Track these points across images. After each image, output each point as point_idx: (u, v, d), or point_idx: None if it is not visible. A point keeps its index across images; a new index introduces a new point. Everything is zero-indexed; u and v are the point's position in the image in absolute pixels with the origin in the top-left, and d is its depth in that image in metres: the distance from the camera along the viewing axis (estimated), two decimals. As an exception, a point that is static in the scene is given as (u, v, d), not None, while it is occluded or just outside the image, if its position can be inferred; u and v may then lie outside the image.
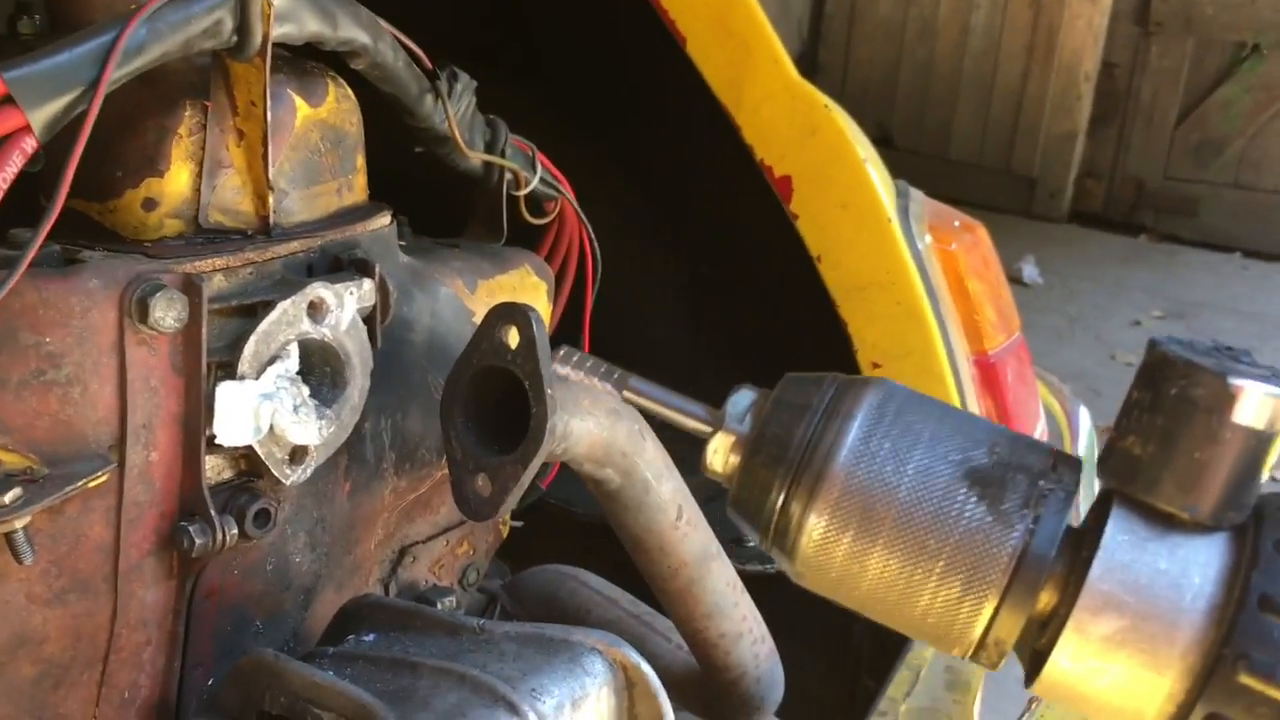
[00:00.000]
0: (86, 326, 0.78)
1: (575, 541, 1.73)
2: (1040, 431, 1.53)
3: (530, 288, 1.19)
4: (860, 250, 1.44)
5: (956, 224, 1.56)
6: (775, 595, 1.22)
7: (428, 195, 1.22)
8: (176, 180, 0.87)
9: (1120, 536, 0.56)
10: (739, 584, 1.16)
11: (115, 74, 0.75)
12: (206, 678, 0.91)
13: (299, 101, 0.92)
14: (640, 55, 1.64)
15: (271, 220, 0.90)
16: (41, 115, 0.72)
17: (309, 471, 0.90)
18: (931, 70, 7.30)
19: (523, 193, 1.25)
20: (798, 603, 1.01)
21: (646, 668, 0.85)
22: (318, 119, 0.94)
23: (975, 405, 1.45)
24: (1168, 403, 0.54)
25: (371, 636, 0.88)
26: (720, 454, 0.66)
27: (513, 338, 0.96)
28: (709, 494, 1.12)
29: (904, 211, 1.48)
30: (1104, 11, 6.77)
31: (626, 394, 0.74)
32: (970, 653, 0.60)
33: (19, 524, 0.75)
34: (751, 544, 1.58)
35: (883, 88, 7.31)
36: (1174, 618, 0.54)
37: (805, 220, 1.46)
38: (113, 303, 0.79)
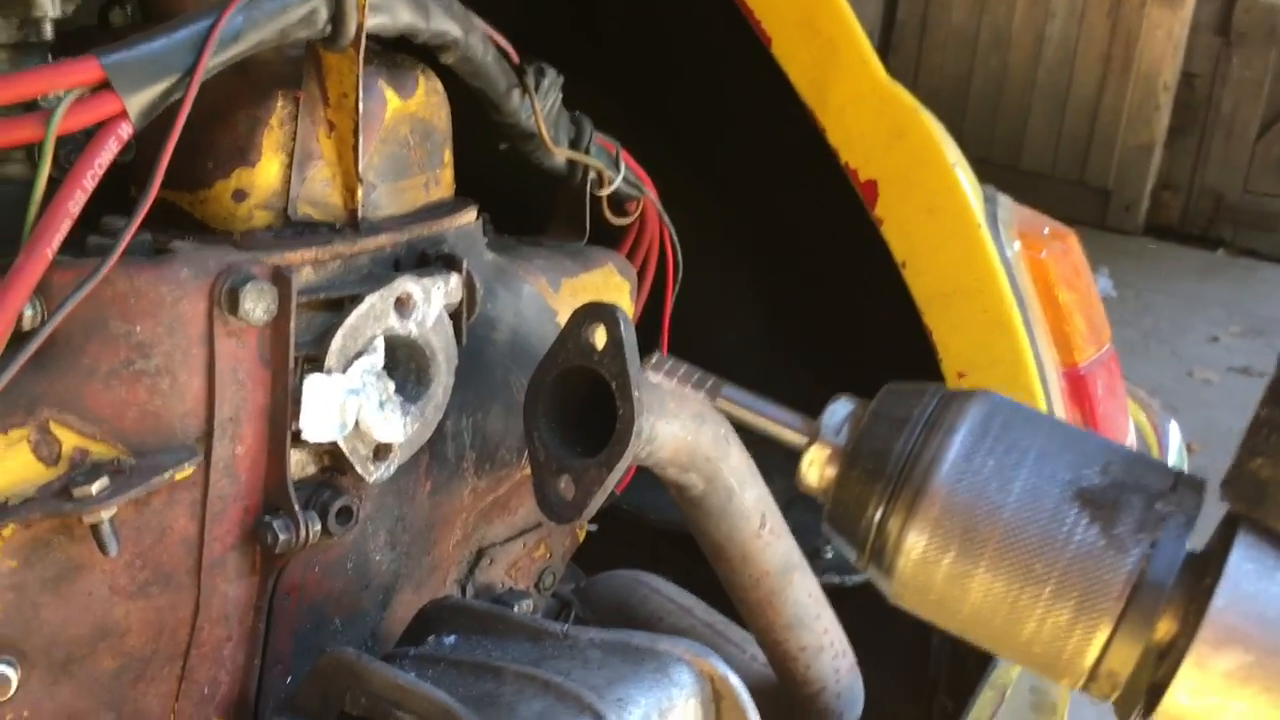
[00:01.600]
0: (176, 316, 0.77)
1: (647, 548, 1.71)
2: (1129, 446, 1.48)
3: (614, 288, 1.17)
4: (947, 256, 1.40)
5: (1046, 231, 1.51)
6: (852, 609, 1.19)
7: (510, 195, 1.21)
8: (267, 171, 0.86)
9: (1246, 565, 0.52)
10: (821, 596, 1.13)
11: (211, 62, 0.74)
12: (285, 676, 0.90)
13: (390, 94, 0.91)
14: (723, 56, 1.61)
15: (360, 214, 0.89)
16: (137, 102, 0.71)
17: (392, 469, 0.89)
18: (1005, 79, 7.19)
19: (606, 192, 1.23)
20: (875, 617, 0.98)
21: (735, 680, 0.83)
22: (407, 112, 0.93)
23: (1064, 418, 1.41)
24: None
25: (452, 639, 0.87)
26: (816, 466, 0.63)
27: (599, 338, 0.94)
28: (787, 500, 1.10)
29: (992, 217, 1.44)
30: (1184, 21, 6.63)
31: (720, 402, 0.71)
32: (1081, 684, 0.56)
33: (105, 515, 0.74)
34: (830, 555, 1.55)
35: (954, 96, 7.21)
36: None
37: (891, 225, 1.42)
38: (203, 293, 0.78)
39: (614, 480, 0.94)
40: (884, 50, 7.27)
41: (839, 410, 0.63)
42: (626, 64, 1.75)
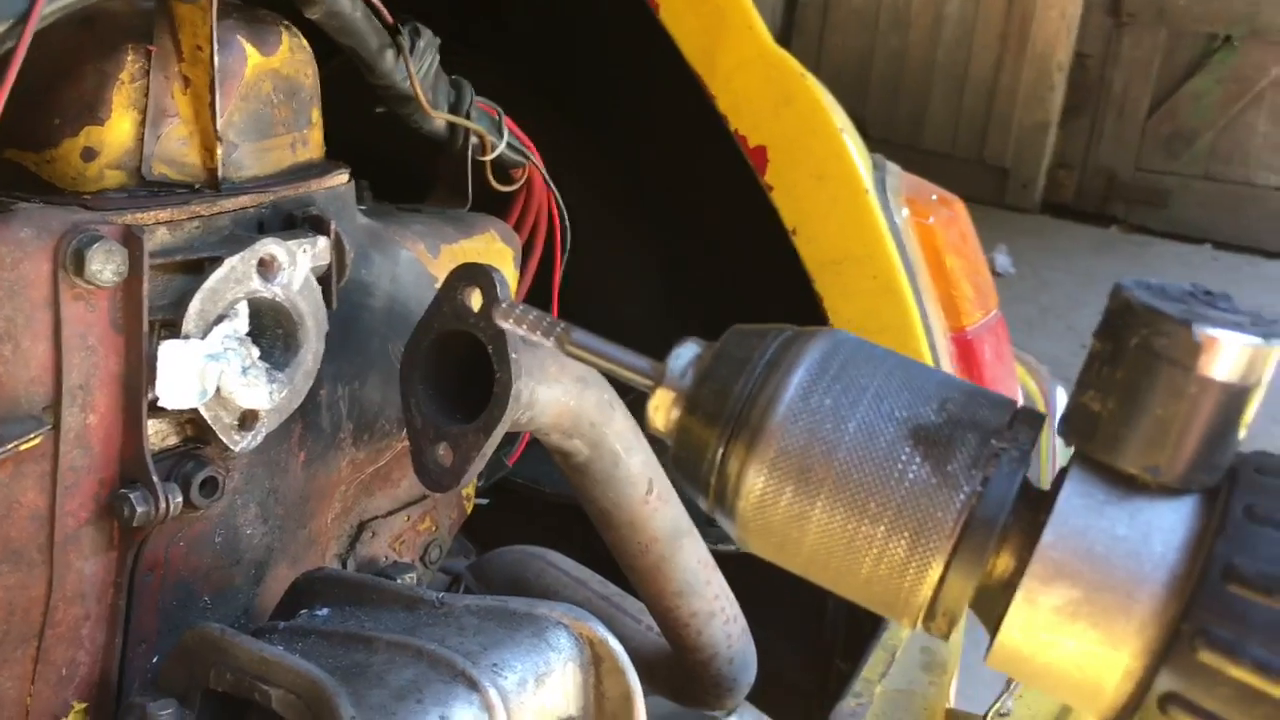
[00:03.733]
0: (17, 279, 0.73)
1: (543, 522, 1.69)
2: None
3: (496, 254, 1.15)
4: (836, 223, 1.40)
5: (934, 198, 1.53)
6: (747, 576, 1.19)
7: (390, 163, 1.17)
8: (118, 129, 0.82)
9: (1076, 500, 0.51)
10: (711, 562, 1.12)
11: (46, 8, 0.70)
12: (150, 655, 0.86)
13: (250, 49, 0.87)
14: (609, 23, 1.59)
15: (220, 174, 0.86)
16: (-34, 49, 0.67)
17: (259, 438, 0.85)
18: (905, 59, 7.28)
19: (489, 158, 1.20)
20: (770, 584, 0.98)
21: (614, 643, 0.81)
22: (270, 68, 0.89)
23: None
24: (1129, 354, 0.50)
25: (325, 611, 0.84)
26: (662, 411, 0.61)
27: (475, 300, 0.92)
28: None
29: (880, 184, 1.45)
30: (1077, 2, 6.78)
31: (569, 348, 0.69)
32: (919, 621, 0.55)
33: (-56, 489, 0.70)
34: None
35: (856, 77, 7.29)
36: (1131, 588, 0.49)
37: (780, 192, 1.42)
38: (46, 254, 0.74)
39: (492, 446, 0.92)
40: (787, 31, 7.31)
41: (685, 353, 0.61)
42: (511, 31, 1.73)
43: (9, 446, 0.73)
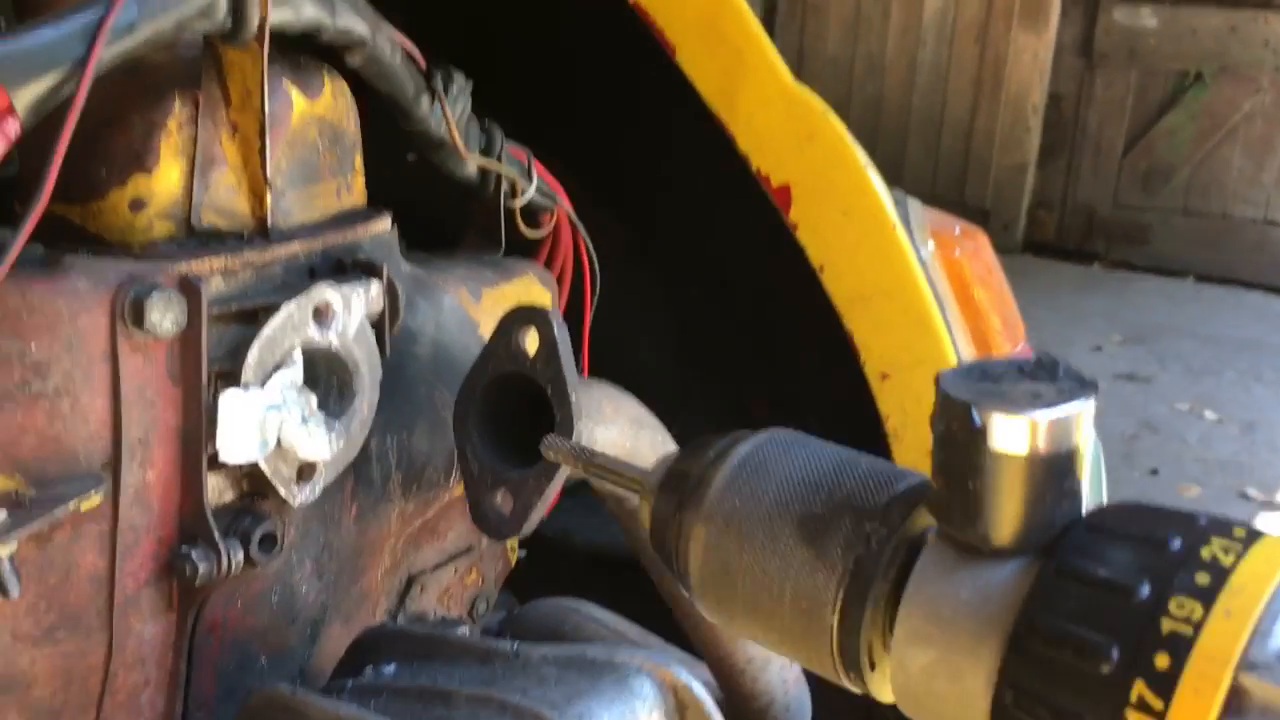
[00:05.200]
0: (75, 332, 0.71)
1: (573, 574, 1.66)
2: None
3: (536, 297, 1.13)
4: (864, 258, 1.39)
5: (958, 230, 1.52)
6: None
7: (414, 215, 1.16)
8: (166, 178, 0.80)
9: (930, 569, 0.57)
10: (766, 605, 1.10)
11: (105, 53, 0.69)
12: (208, 722, 0.83)
13: (295, 94, 0.86)
14: (622, 67, 1.59)
15: (269, 221, 0.84)
16: (25, 96, 0.66)
17: (318, 490, 0.83)
18: (881, 106, 7.35)
19: (520, 202, 1.19)
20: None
21: (699, 689, 0.79)
22: (315, 115, 0.88)
23: (986, 415, 1.41)
24: (942, 437, 0.55)
25: (393, 667, 0.81)
26: (645, 509, 0.71)
27: (531, 343, 0.90)
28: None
29: (904, 219, 1.44)
30: (1049, 44, 6.86)
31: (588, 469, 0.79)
32: (841, 676, 0.62)
33: (4, 552, 0.67)
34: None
35: (834, 125, 7.33)
36: (975, 648, 0.54)
37: (805, 229, 1.40)
38: (104, 306, 0.72)
39: (553, 491, 0.89)
40: (763, 82, 7.37)
41: (660, 465, 0.71)
42: (522, 79, 1.72)
43: (69, 506, 0.70)
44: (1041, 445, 0.53)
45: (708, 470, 0.66)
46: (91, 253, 0.76)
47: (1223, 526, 0.52)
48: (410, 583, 1.03)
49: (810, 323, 1.49)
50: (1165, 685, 0.48)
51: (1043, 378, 0.56)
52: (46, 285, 0.70)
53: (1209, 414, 4.76)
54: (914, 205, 1.52)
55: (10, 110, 0.65)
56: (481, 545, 1.10)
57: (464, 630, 1.02)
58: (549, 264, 1.27)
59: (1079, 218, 7.20)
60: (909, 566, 0.58)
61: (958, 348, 1.41)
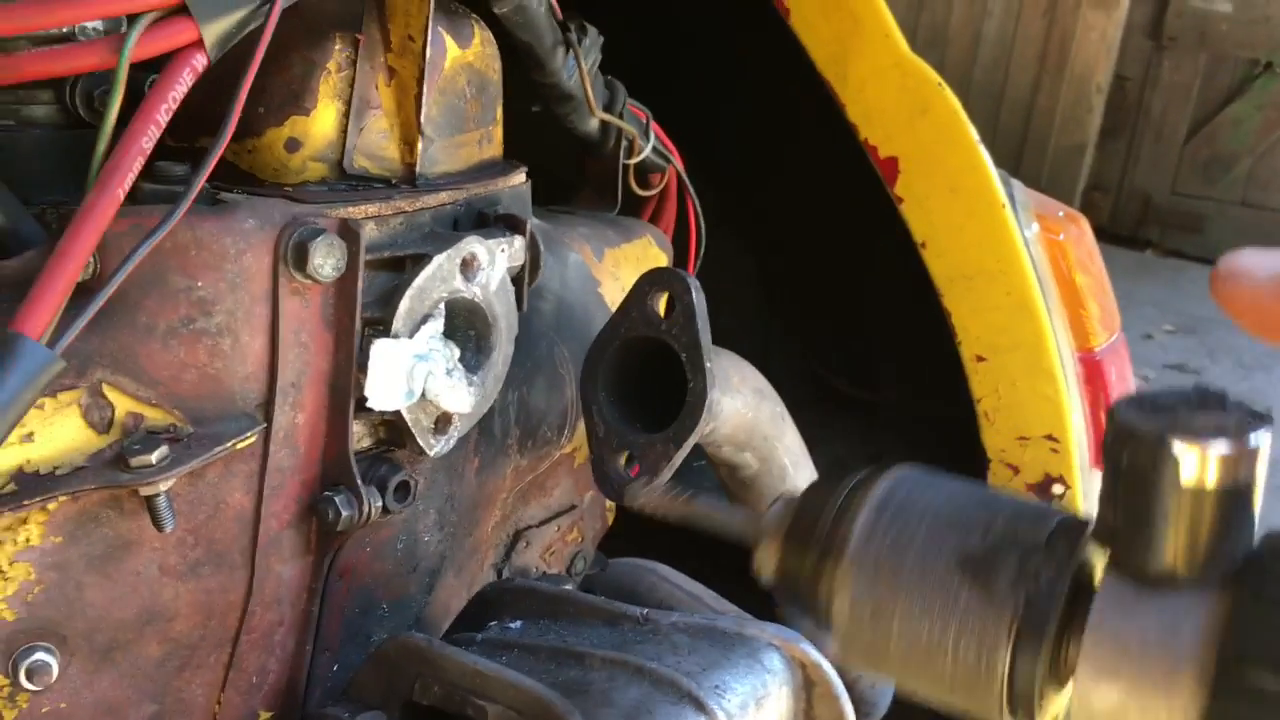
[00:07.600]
0: (240, 271, 0.70)
1: (636, 537, 1.66)
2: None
3: (653, 259, 1.12)
4: (970, 237, 1.37)
5: (1061, 214, 1.50)
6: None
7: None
8: (323, 119, 0.79)
9: (1110, 603, 0.56)
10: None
11: (288, -10, 0.68)
12: (332, 664, 0.83)
13: (449, 41, 0.85)
14: (735, 29, 1.56)
15: (417, 169, 0.83)
16: (214, 30, 0.65)
17: (453, 442, 0.83)
18: (942, 77, 7.25)
19: (636, 160, 1.18)
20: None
21: (828, 667, 0.78)
22: (465, 62, 0.87)
23: (1078, 405, 1.39)
24: (1122, 470, 0.55)
25: (519, 624, 0.81)
26: (767, 557, 0.67)
27: (663, 306, 0.90)
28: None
29: (1010, 199, 1.42)
30: (1118, 24, 6.74)
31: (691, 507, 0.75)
32: (1004, 716, 0.60)
33: (164, 487, 0.67)
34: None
35: (892, 93, 7.25)
36: (1166, 684, 0.53)
37: (911, 204, 1.38)
38: (268, 246, 0.71)
39: (681, 456, 0.89)
40: (824, 45, 7.28)
41: (776, 508, 0.68)
42: (627, 32, 1.70)
43: (227, 445, 0.70)
44: (1230, 477, 0.53)
45: (844, 515, 0.65)
46: (246, 191, 0.76)
47: None
48: (517, 537, 1.03)
49: (901, 299, 1.47)
50: None
51: (1214, 407, 0.56)
52: (215, 223, 0.69)
53: (1259, 410, 4.71)
54: (1018, 186, 1.50)
55: (199, 44, 0.64)
56: (584, 503, 1.10)
57: (568, 588, 1.02)
58: (655, 224, 1.26)
59: (1134, 203, 7.10)
60: (1077, 602, 0.58)
61: (1056, 334, 1.40)
